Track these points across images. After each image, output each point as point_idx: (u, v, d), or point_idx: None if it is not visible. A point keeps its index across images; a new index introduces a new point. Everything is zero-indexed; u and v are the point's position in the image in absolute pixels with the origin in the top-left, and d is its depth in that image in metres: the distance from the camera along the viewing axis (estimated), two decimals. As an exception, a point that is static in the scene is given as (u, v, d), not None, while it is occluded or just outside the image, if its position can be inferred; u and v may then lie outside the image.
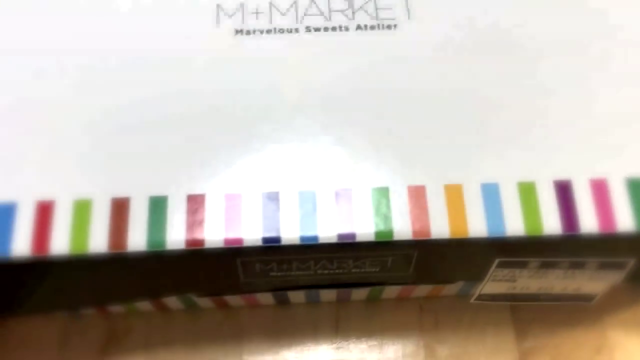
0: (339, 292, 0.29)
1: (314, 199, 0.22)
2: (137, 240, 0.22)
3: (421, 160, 0.23)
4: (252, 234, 0.22)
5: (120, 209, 0.22)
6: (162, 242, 0.22)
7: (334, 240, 0.22)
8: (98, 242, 0.22)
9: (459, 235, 0.22)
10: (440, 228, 0.22)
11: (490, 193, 0.22)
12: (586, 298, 0.26)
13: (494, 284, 0.25)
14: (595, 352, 0.27)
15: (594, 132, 0.23)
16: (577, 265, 0.24)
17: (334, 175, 0.23)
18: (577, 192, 0.22)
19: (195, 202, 0.22)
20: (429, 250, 0.23)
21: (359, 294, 0.29)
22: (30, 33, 0.25)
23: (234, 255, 0.22)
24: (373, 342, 0.28)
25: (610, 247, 0.23)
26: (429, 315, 0.28)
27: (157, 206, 0.22)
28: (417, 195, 0.22)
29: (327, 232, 0.22)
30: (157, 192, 0.22)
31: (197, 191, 0.22)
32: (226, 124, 0.23)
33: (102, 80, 0.24)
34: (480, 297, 0.26)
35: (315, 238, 0.22)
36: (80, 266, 0.23)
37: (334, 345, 0.28)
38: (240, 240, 0.22)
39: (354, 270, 0.24)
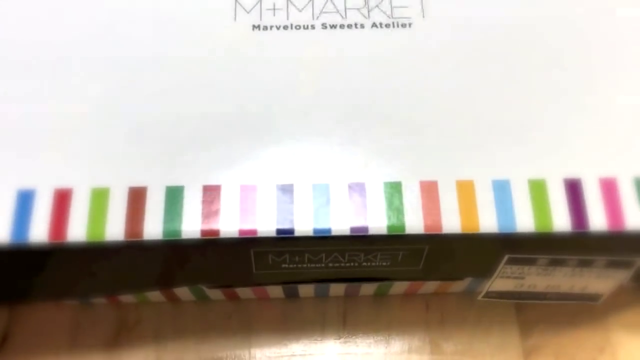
0: (347, 287, 0.29)
1: (328, 191, 0.23)
2: (153, 229, 0.22)
3: (433, 155, 0.23)
4: (266, 225, 0.22)
5: (137, 197, 0.22)
6: (178, 232, 0.22)
7: (347, 232, 0.22)
8: (114, 230, 0.22)
9: (470, 230, 0.22)
10: (451, 223, 0.22)
11: (502, 189, 0.23)
12: (592, 298, 0.27)
13: (502, 280, 0.25)
14: (599, 352, 0.28)
15: (604, 131, 0.24)
16: (585, 264, 0.24)
17: (348, 169, 0.23)
18: (586, 191, 0.23)
19: (211, 193, 0.23)
20: (440, 246, 0.23)
21: (367, 289, 0.30)
22: (50, 26, 0.25)
23: (247, 246, 0.23)
24: (379, 337, 0.28)
25: (618, 245, 0.23)
26: (435, 312, 0.28)
27: (174, 196, 0.23)
28: (429, 190, 0.23)
29: (340, 224, 0.22)
30: (174, 182, 0.23)
31: (213, 182, 0.23)
32: (242, 117, 0.24)
33: (121, 72, 0.24)
34: (488, 295, 0.26)
35: (329, 230, 0.22)
36: (94, 254, 0.23)
37: (341, 339, 0.28)
38: (254, 231, 0.22)
39: (364, 264, 0.24)
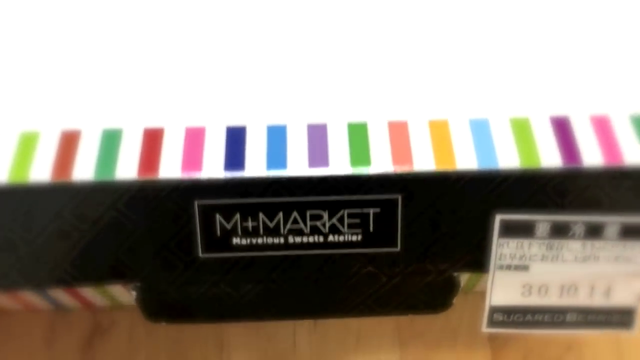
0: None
1: (284, 133, 0.22)
2: (83, 171, 0.22)
3: (403, 94, 0.23)
4: (213, 168, 0.22)
5: (69, 141, 0.22)
6: (111, 173, 0.22)
7: (304, 172, 0.22)
8: (40, 173, 0.22)
9: (445, 167, 0.22)
10: (424, 161, 0.22)
11: (480, 128, 0.23)
12: (624, 318, 0.25)
13: (503, 277, 0.24)
14: (565, 350, 0.30)
15: (594, 67, 0.24)
16: (595, 232, 0.23)
17: (307, 109, 0.23)
18: (577, 128, 0.23)
19: (152, 136, 0.22)
20: (415, 199, 0.22)
21: None
22: None
23: (191, 196, 0.22)
24: (350, 337, 0.30)
25: (622, 192, 0.22)
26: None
27: (110, 139, 0.22)
28: (399, 131, 0.23)
29: (296, 164, 0.22)
30: (112, 124, 0.23)
31: (155, 124, 0.22)
32: (191, 56, 0.25)
33: (56, 14, 0.25)
34: (492, 319, 0.24)
35: (283, 167, 0.22)
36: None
37: (313, 339, 0.30)
38: (198, 171, 0.22)
39: (330, 239, 0.23)
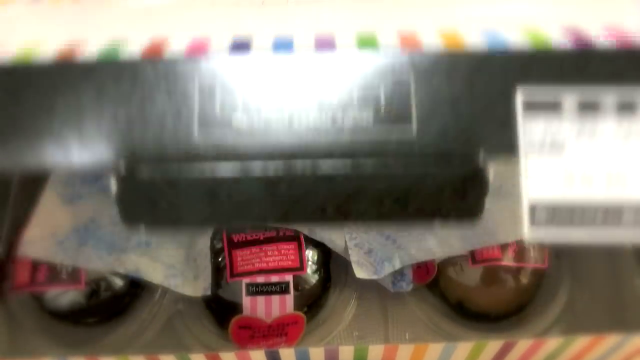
0: (327, 350, 0.28)
1: (291, 44, 0.23)
2: (90, 50, 0.22)
3: (412, 7, 0.24)
4: (218, 43, 0.22)
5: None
6: (117, 52, 0.22)
7: (311, 47, 0.22)
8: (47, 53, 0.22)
9: (453, 46, 0.22)
10: (433, 43, 0.22)
11: (492, 35, 0.23)
12: None
13: (538, 161, 0.21)
14: None
15: None
16: (628, 107, 0.21)
17: (313, 20, 0.24)
18: (590, 33, 0.23)
19: (156, 42, 0.23)
20: (428, 79, 0.22)
21: (347, 354, 0.29)
22: None
23: (194, 68, 0.22)
24: None
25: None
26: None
27: (115, 44, 0.23)
28: (408, 37, 0.23)
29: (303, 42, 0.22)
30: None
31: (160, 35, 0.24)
32: None
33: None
34: (535, 218, 0.21)
35: (290, 45, 0.22)
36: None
37: None
38: (205, 45, 0.22)
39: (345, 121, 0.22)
